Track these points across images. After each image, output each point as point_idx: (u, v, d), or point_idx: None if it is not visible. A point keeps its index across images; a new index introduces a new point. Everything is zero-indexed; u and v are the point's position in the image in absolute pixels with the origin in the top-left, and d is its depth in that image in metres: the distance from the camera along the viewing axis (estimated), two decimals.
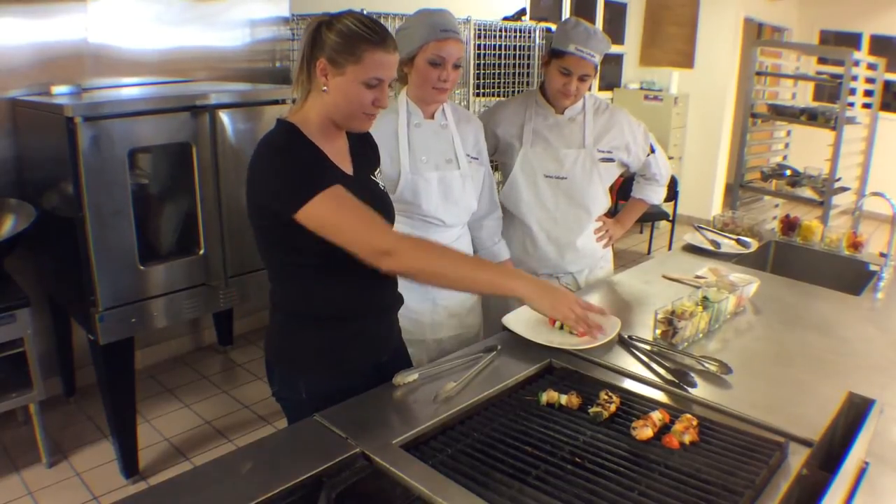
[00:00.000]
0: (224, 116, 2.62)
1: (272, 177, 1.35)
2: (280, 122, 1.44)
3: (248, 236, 2.69)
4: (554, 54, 2.13)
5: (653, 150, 2.35)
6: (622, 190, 4.70)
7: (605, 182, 2.29)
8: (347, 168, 1.49)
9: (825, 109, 5.09)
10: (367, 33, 1.34)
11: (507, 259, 2.21)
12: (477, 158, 2.03)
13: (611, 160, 2.26)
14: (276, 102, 2.82)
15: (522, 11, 5.17)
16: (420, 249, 1.38)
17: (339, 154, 1.48)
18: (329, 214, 1.32)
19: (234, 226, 2.71)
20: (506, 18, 4.57)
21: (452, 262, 1.41)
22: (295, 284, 1.46)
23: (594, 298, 2.09)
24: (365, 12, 3.15)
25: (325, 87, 1.38)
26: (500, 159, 2.33)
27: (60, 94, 2.68)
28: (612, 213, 2.55)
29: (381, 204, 1.55)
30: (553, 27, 4.85)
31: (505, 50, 4.15)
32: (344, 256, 1.35)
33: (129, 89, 3.00)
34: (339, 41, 1.34)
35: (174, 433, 3.00)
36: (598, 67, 2.17)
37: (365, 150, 1.59)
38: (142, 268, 2.52)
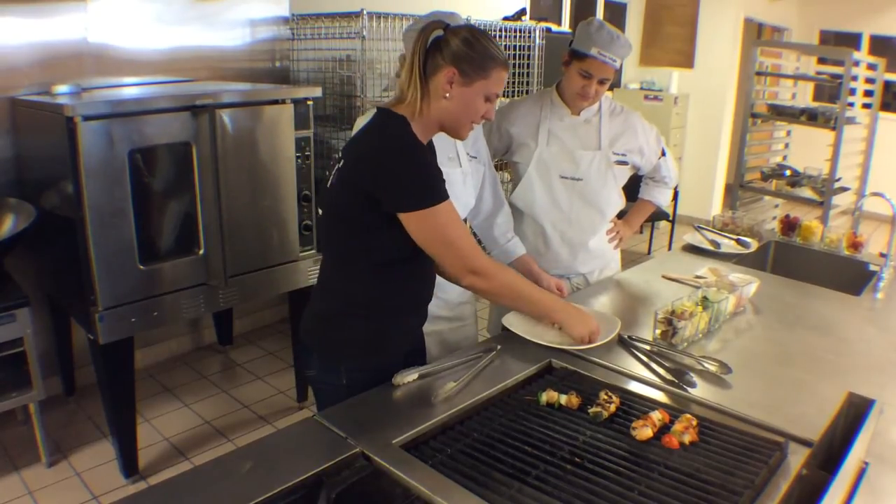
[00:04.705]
0: (224, 116, 2.62)
1: (396, 171, 1.39)
2: (392, 114, 1.46)
3: (248, 236, 2.75)
4: (574, 56, 2.10)
5: (664, 154, 2.35)
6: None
7: (618, 184, 2.28)
8: None
9: (825, 109, 5.09)
10: (497, 52, 1.47)
11: (521, 255, 2.16)
12: (476, 157, 2.04)
13: (625, 163, 2.25)
14: (276, 102, 2.81)
15: (522, 11, 5.16)
16: (503, 276, 1.55)
17: None
18: (440, 226, 1.42)
19: (234, 225, 2.71)
20: (506, 18, 4.57)
21: (519, 296, 1.62)
22: (355, 275, 1.51)
23: (595, 298, 2.09)
24: (366, 12, 3.16)
25: (447, 95, 1.44)
26: (512, 159, 2.30)
27: (61, 94, 2.68)
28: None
29: None
30: (553, 27, 4.86)
31: (505, 50, 4.12)
32: (406, 253, 1.44)
33: (130, 89, 3.00)
34: (473, 56, 1.43)
35: (174, 433, 3.00)
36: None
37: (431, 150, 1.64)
38: (142, 267, 2.52)
